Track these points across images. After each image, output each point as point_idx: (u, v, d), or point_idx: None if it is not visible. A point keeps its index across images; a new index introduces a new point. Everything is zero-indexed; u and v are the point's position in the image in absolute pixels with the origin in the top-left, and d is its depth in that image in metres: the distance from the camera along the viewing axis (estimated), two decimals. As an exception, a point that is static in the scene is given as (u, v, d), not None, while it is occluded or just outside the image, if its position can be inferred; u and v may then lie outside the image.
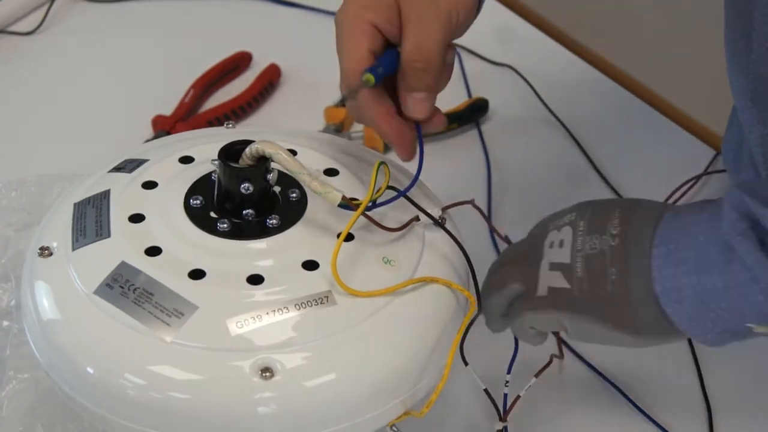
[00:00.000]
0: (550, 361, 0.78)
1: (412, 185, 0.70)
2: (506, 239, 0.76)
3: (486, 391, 0.72)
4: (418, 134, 0.70)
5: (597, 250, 0.66)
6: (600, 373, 0.84)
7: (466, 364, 0.69)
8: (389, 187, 0.70)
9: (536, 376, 0.77)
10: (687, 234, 0.63)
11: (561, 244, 0.67)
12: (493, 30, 1.18)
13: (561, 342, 0.81)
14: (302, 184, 0.69)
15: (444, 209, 0.73)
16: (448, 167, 0.99)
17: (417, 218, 0.71)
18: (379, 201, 0.69)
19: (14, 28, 1.20)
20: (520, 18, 1.22)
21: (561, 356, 0.80)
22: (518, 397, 0.75)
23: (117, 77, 1.15)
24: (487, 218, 0.76)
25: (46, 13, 1.20)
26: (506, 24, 1.21)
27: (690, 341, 0.86)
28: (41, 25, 1.20)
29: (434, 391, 0.67)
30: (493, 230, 0.83)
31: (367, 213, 0.68)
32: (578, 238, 0.66)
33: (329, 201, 0.68)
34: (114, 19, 1.23)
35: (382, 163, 0.70)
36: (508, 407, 0.75)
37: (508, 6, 1.24)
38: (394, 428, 0.68)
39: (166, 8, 1.24)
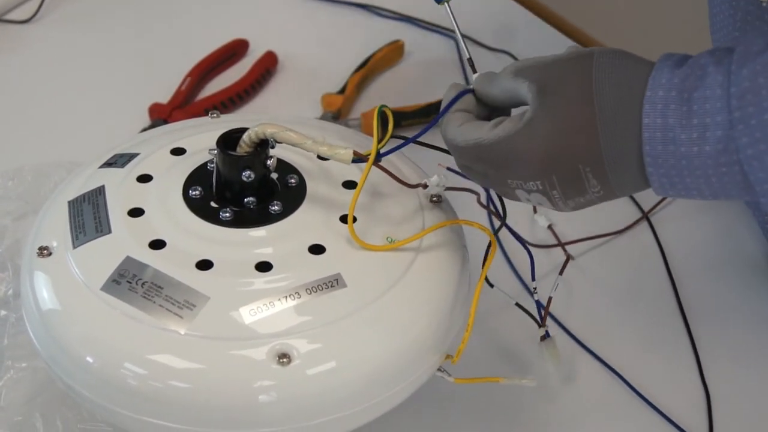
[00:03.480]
0: (567, 258, 0.81)
1: (424, 132, 0.69)
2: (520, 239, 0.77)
3: (517, 304, 0.76)
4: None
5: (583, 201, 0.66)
6: (603, 361, 0.84)
7: (492, 286, 0.73)
8: (396, 137, 0.69)
9: (561, 273, 0.79)
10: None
11: (538, 203, 0.67)
12: (491, 16, 1.18)
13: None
14: (310, 151, 0.68)
15: (448, 189, 0.73)
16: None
17: (425, 185, 0.72)
18: (386, 150, 0.69)
19: (10, 16, 1.19)
20: (518, 4, 1.22)
21: (571, 257, 0.83)
22: (550, 299, 0.77)
23: (113, 65, 1.14)
24: (493, 205, 0.75)
25: (42, 1, 1.19)
26: (503, 10, 1.21)
27: (690, 334, 0.86)
28: (37, 13, 1.19)
29: (462, 342, 0.68)
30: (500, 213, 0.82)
31: (380, 164, 0.68)
32: (558, 202, 0.66)
33: (341, 160, 0.67)
34: (110, 7, 1.22)
35: (383, 106, 0.69)
36: (543, 312, 0.77)
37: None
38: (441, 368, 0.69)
39: (163, -4, 1.24)
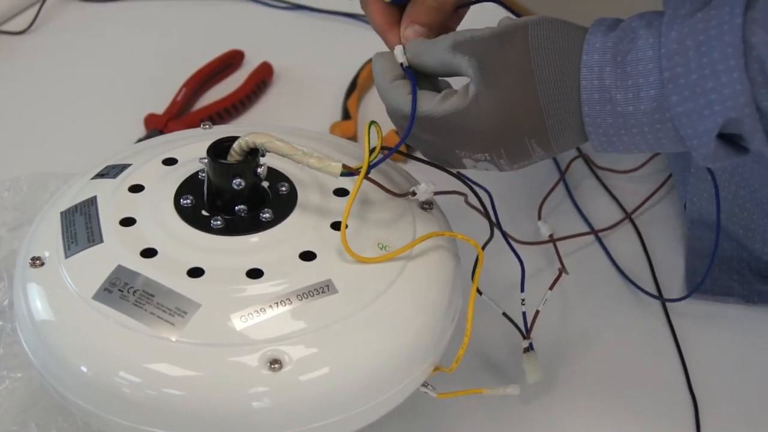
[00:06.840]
0: (560, 274, 0.80)
1: (402, 141, 0.70)
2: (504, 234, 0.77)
3: (504, 314, 0.77)
4: (412, 88, 0.71)
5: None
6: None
7: (480, 293, 0.73)
8: (382, 148, 0.70)
9: (551, 288, 0.79)
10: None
11: (485, 169, 0.71)
12: (492, 17, 1.18)
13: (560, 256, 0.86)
14: (300, 163, 0.68)
15: (436, 194, 0.73)
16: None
17: (413, 193, 0.72)
18: (374, 162, 0.69)
19: (6, 27, 1.19)
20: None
21: (565, 272, 0.82)
22: (537, 312, 0.78)
23: (109, 76, 1.14)
24: (487, 214, 0.76)
25: (38, 12, 1.20)
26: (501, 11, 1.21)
27: (676, 341, 0.86)
28: (33, 24, 1.19)
29: (461, 347, 0.68)
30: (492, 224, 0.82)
31: (370, 177, 0.69)
32: (504, 167, 0.70)
33: (330, 173, 0.68)
34: (106, 17, 1.23)
35: (373, 122, 0.70)
36: (529, 324, 0.78)
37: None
38: (425, 383, 0.69)
39: (158, 7, 1.24)
